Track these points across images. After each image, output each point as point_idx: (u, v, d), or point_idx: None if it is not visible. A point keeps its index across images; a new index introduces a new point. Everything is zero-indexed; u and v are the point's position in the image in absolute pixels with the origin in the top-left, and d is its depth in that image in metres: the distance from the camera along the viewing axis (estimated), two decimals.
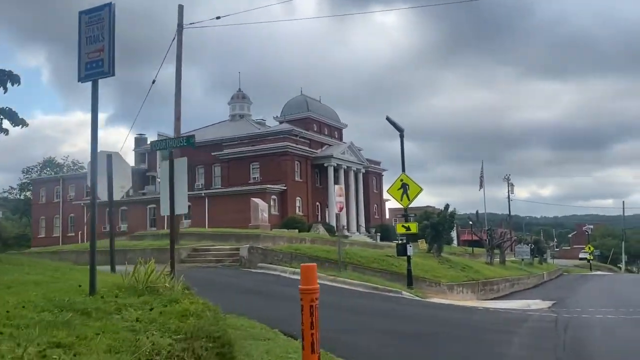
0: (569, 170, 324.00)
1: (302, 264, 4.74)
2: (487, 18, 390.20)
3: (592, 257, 72.79)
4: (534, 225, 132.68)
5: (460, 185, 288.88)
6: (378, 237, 51.27)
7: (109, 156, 10.38)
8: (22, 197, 79.25)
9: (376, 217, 61.90)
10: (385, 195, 57.99)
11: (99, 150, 11.05)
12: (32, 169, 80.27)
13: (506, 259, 43.14)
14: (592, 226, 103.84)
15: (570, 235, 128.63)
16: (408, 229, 20.41)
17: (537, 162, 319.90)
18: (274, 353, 6.51)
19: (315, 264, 5.17)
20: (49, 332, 4.01)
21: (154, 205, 47.00)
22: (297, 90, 63.44)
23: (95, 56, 5.96)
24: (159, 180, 40.86)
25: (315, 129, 56.51)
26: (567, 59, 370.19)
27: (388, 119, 21.28)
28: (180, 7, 23.29)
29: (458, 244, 63.33)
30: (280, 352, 6.60)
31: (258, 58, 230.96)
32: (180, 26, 23.24)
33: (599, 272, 65.48)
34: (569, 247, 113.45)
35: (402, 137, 21.05)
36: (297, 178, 49.75)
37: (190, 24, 23.62)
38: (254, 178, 49.54)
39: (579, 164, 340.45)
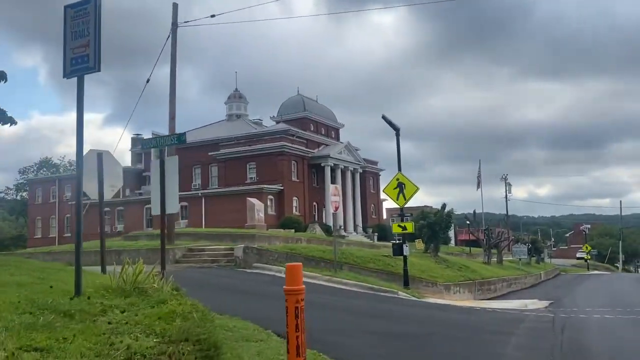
0: (566, 170, 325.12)
1: (287, 264, 4.56)
2: (485, 18, 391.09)
3: (589, 257, 73.00)
4: (531, 225, 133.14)
5: (458, 185, 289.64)
6: (375, 237, 51.24)
7: (100, 155, 10.22)
8: (18, 197, 79.04)
9: (373, 217, 61.82)
10: (383, 195, 57.88)
11: (90, 149, 10.96)
12: (28, 169, 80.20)
13: (503, 258, 43.09)
14: (589, 226, 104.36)
15: (567, 235, 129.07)
16: (404, 228, 20.29)
17: (535, 161, 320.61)
18: (265, 355, 6.36)
19: (300, 263, 5.01)
20: (27, 335, 3.88)
21: (150, 205, 46.80)
22: (294, 90, 63.56)
23: (80, 51, 5.80)
24: None
25: (312, 129, 56.41)
26: (564, 59, 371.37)
27: (384, 117, 21.22)
28: (175, 5, 23.20)
29: (455, 244, 63.39)
30: (271, 354, 6.44)
31: (255, 58, 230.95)
32: (174, 25, 23.11)
33: (596, 272, 65.55)
34: (566, 247, 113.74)
35: (398, 136, 21.06)
36: (294, 178, 49.65)
37: (185, 22, 23.52)
38: (251, 178, 49.45)
39: (576, 163, 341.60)
